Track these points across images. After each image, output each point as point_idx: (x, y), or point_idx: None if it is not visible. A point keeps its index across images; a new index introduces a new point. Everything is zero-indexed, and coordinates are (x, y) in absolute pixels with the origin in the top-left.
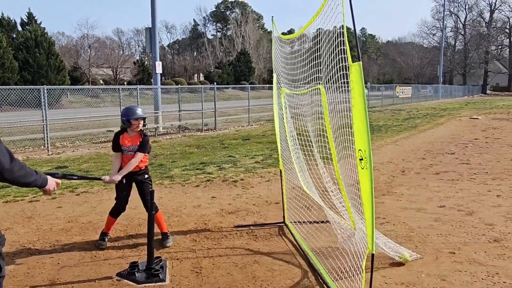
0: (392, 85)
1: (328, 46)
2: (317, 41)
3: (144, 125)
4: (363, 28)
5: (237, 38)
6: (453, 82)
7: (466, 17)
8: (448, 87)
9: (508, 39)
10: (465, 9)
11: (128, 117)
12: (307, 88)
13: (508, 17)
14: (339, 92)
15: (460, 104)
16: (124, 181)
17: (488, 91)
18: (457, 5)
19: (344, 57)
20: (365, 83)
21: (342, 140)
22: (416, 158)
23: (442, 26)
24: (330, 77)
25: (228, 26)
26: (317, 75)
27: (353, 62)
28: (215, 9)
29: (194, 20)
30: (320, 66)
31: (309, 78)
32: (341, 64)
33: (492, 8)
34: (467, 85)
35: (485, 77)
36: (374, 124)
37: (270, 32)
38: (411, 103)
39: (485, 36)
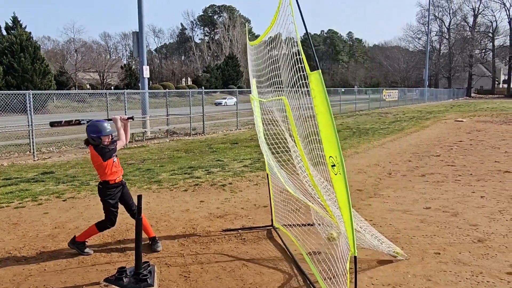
0: (379, 88)
1: (288, 56)
2: (275, 47)
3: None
4: (350, 32)
5: (225, 42)
6: (439, 85)
7: (450, 21)
8: (434, 90)
9: (491, 43)
10: (449, 13)
11: (99, 133)
12: (271, 97)
13: (491, 21)
14: (303, 99)
15: (446, 107)
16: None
17: (472, 94)
18: (441, 9)
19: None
20: (352, 86)
21: (312, 148)
22: (403, 161)
23: (427, 30)
24: (293, 84)
25: (215, 30)
26: (278, 79)
27: (311, 71)
28: (202, 13)
29: (182, 24)
30: (281, 77)
31: (271, 84)
32: (301, 73)
33: (476, 12)
34: (452, 88)
35: (470, 80)
36: (361, 127)
37: (257, 36)
38: (397, 106)
39: (469, 40)
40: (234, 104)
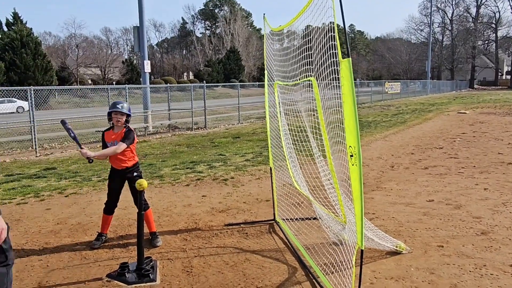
0: (381, 81)
1: (318, 41)
2: (306, 34)
3: (126, 121)
4: (351, 25)
5: (226, 36)
6: (441, 77)
7: (453, 12)
8: (436, 82)
9: (494, 34)
10: (452, 4)
11: (109, 109)
12: (299, 79)
13: (494, 12)
14: (330, 88)
15: (448, 99)
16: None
17: (475, 86)
18: (444, 0)
19: (334, 52)
20: (354, 79)
21: (334, 135)
22: (405, 153)
23: (429, 22)
24: (321, 72)
25: (217, 24)
26: (309, 66)
27: (343, 58)
28: (203, 7)
29: (183, 18)
30: (311, 58)
31: (300, 70)
32: (331, 60)
33: (479, 3)
34: (455, 80)
35: (473, 72)
36: (364, 120)
37: (259, 30)
38: (400, 98)
39: (471, 31)
40: (15, 112)
